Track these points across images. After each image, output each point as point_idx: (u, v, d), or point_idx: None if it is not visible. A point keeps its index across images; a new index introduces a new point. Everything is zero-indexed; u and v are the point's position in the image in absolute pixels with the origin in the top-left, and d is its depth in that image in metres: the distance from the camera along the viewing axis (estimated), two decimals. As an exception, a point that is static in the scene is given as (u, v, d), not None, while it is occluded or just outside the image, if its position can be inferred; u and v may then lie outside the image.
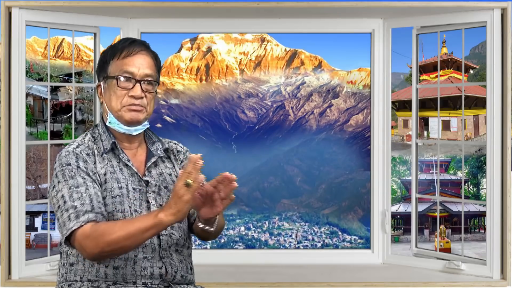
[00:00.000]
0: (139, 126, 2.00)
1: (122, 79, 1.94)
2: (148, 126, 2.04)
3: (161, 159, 2.06)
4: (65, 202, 1.83)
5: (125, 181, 1.94)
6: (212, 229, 1.96)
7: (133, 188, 1.94)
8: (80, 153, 1.93)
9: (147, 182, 1.98)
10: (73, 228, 1.79)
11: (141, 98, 1.95)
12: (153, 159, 2.02)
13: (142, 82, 1.95)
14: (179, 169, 2.09)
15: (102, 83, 2.00)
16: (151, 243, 1.92)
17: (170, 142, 2.14)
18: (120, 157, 1.98)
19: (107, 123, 1.99)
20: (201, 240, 2.26)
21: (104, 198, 1.90)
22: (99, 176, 1.92)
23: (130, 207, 1.91)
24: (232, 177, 1.80)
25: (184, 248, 2.02)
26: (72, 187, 1.85)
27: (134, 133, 2.00)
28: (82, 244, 1.78)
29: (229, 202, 1.84)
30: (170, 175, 2.05)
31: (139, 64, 1.96)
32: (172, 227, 1.97)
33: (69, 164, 1.89)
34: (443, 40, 3.47)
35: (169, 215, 1.71)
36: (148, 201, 1.96)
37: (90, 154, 1.95)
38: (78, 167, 1.89)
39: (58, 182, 1.88)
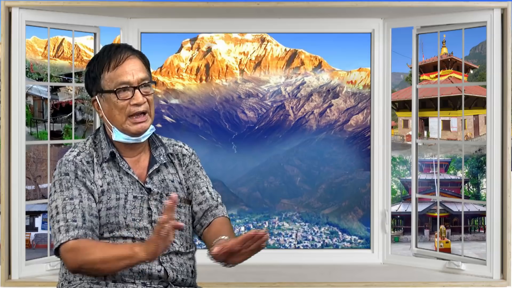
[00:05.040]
0: (146, 132, 1.98)
1: (120, 91, 1.91)
2: (154, 130, 2.02)
3: (164, 165, 2.03)
4: (57, 213, 1.84)
5: (124, 190, 1.93)
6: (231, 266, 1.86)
7: (134, 197, 1.93)
8: (81, 161, 1.92)
9: (149, 190, 1.96)
10: (62, 242, 1.81)
11: (144, 103, 1.93)
12: (155, 166, 2.00)
13: (140, 87, 1.93)
14: (183, 175, 2.07)
15: (97, 97, 1.96)
16: None
17: (176, 144, 2.11)
18: (120, 165, 1.96)
19: (114, 138, 1.96)
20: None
21: (99, 211, 1.90)
22: (96, 186, 1.91)
23: (125, 218, 1.90)
24: (263, 235, 1.71)
25: (185, 254, 2.00)
26: (67, 198, 1.85)
27: (143, 140, 1.98)
28: (64, 257, 1.82)
29: (258, 251, 1.75)
30: (172, 181, 2.02)
31: (131, 70, 1.92)
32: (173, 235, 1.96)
33: (67, 174, 1.89)
34: (443, 40, 3.47)
35: (145, 253, 1.70)
36: (150, 209, 1.94)
37: (90, 162, 1.94)
38: (76, 177, 1.89)
39: (55, 191, 1.88)
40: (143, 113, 1.94)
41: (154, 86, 2.01)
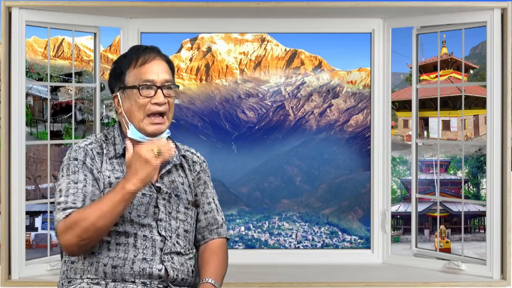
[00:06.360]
0: (162, 135, 1.99)
1: (144, 88, 1.94)
2: (170, 134, 2.03)
3: (175, 167, 2.05)
4: (60, 196, 1.88)
5: None
6: None
7: (143, 194, 1.94)
8: (91, 150, 1.96)
9: (159, 188, 1.97)
10: (59, 219, 1.84)
11: (164, 104, 1.95)
12: (168, 166, 2.02)
13: (163, 87, 1.95)
14: (192, 179, 2.09)
15: (119, 93, 1.99)
16: (152, 246, 1.92)
17: (188, 150, 2.13)
18: None
19: (129, 135, 1.98)
20: None
21: None
22: (103, 176, 1.93)
23: (130, 213, 1.91)
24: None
25: (185, 255, 2.02)
26: (71, 182, 1.89)
27: None
28: (62, 240, 1.84)
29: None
30: (182, 184, 2.04)
31: (157, 70, 1.96)
32: (178, 235, 1.98)
33: (76, 159, 1.93)
34: (443, 40, 3.47)
35: (137, 182, 1.81)
36: (157, 207, 1.96)
37: (100, 153, 1.97)
38: (84, 163, 1.92)
39: (61, 176, 1.92)
40: (162, 114, 1.96)
41: (177, 91, 2.02)
